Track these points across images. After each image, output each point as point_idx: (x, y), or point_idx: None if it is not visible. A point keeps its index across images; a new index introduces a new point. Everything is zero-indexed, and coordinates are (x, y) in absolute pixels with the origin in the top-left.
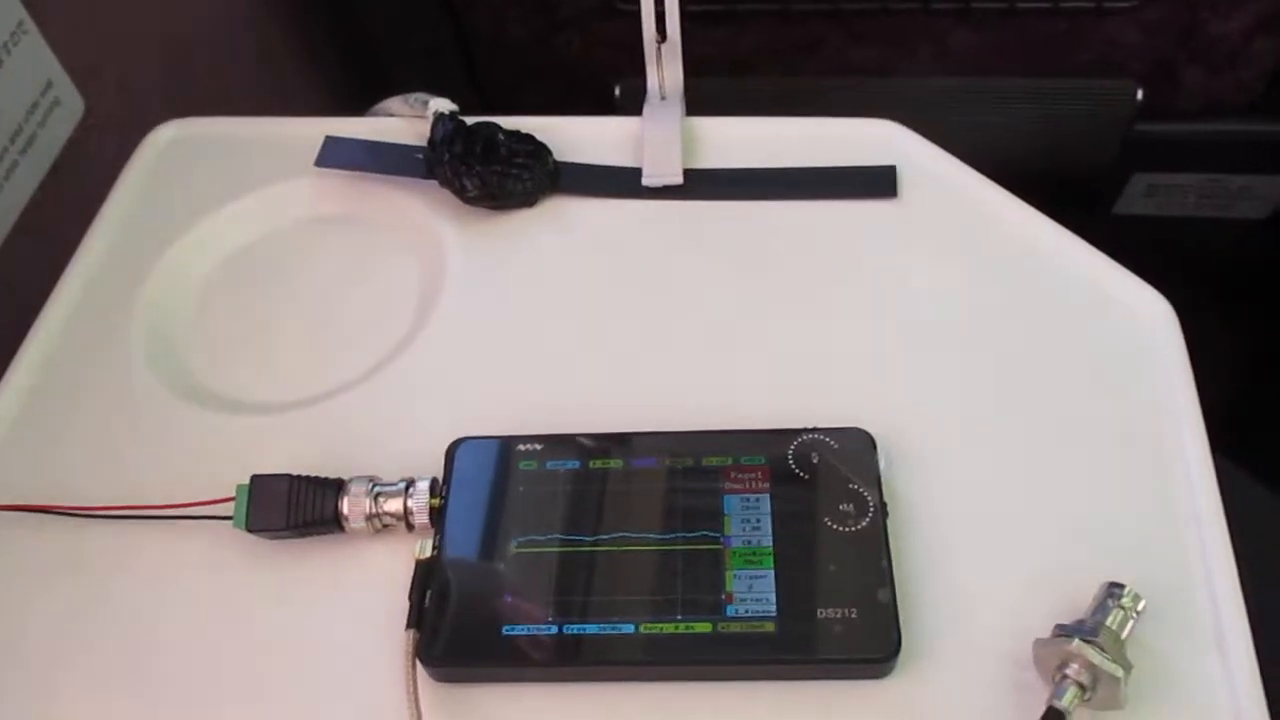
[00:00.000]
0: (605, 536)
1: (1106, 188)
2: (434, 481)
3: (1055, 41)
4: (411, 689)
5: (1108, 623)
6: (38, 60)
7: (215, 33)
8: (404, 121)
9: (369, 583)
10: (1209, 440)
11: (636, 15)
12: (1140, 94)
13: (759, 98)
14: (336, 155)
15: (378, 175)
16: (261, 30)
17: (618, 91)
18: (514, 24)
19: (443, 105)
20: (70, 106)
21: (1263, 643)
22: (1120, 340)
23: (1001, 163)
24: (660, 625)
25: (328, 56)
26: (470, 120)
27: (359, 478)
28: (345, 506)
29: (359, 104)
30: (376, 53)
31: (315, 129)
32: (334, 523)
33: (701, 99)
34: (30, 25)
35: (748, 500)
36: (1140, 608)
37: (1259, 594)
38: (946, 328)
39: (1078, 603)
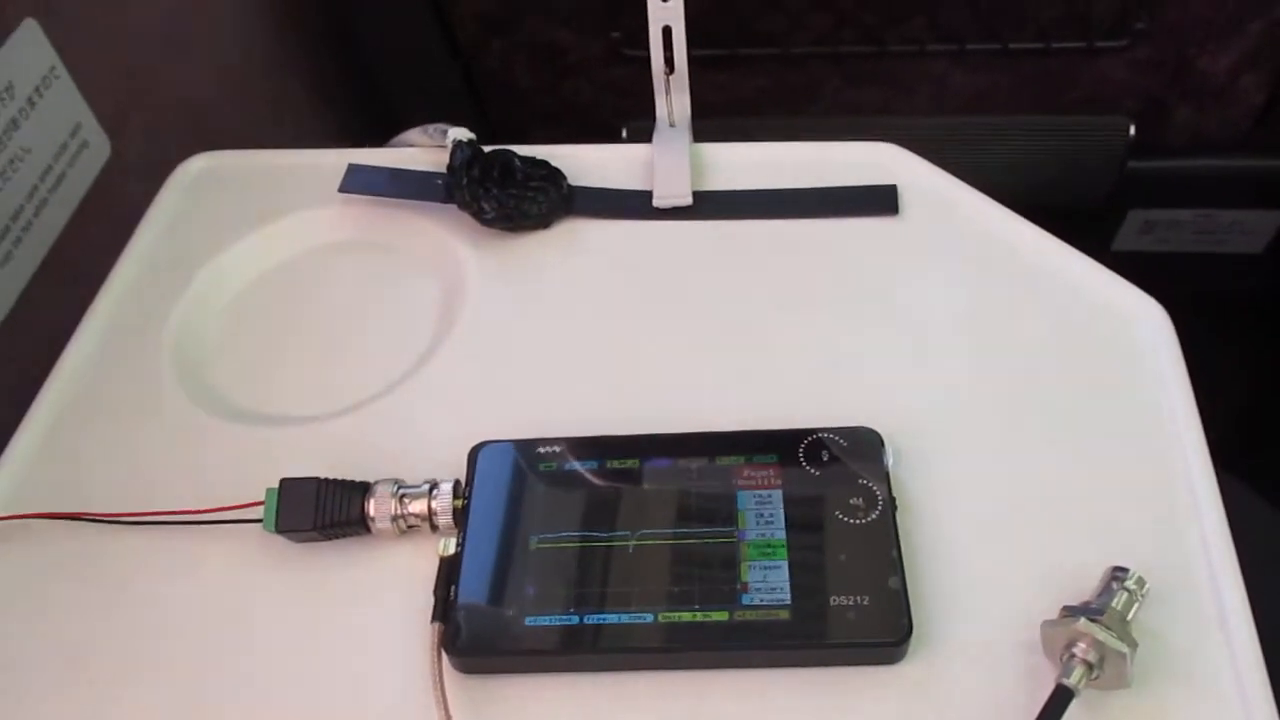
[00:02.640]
0: (623, 532)
1: (1104, 224)
2: (456, 483)
3: (1048, 81)
4: (437, 679)
5: (1113, 604)
6: (68, 104)
7: (235, 81)
8: (423, 151)
9: (395, 581)
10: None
11: (642, 61)
12: (1133, 130)
13: (761, 137)
14: (359, 181)
15: (399, 200)
16: (279, 78)
17: (625, 133)
18: (522, 71)
19: (461, 134)
20: (97, 148)
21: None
22: (1117, 342)
23: (998, 199)
24: (678, 614)
25: (342, 103)
26: (488, 148)
27: (384, 480)
28: (371, 508)
29: (372, 147)
30: (389, 99)
31: (338, 160)
32: (360, 524)
33: (706, 139)
34: (62, 70)
35: (761, 496)
36: (1145, 590)
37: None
38: (950, 335)
39: (1083, 591)
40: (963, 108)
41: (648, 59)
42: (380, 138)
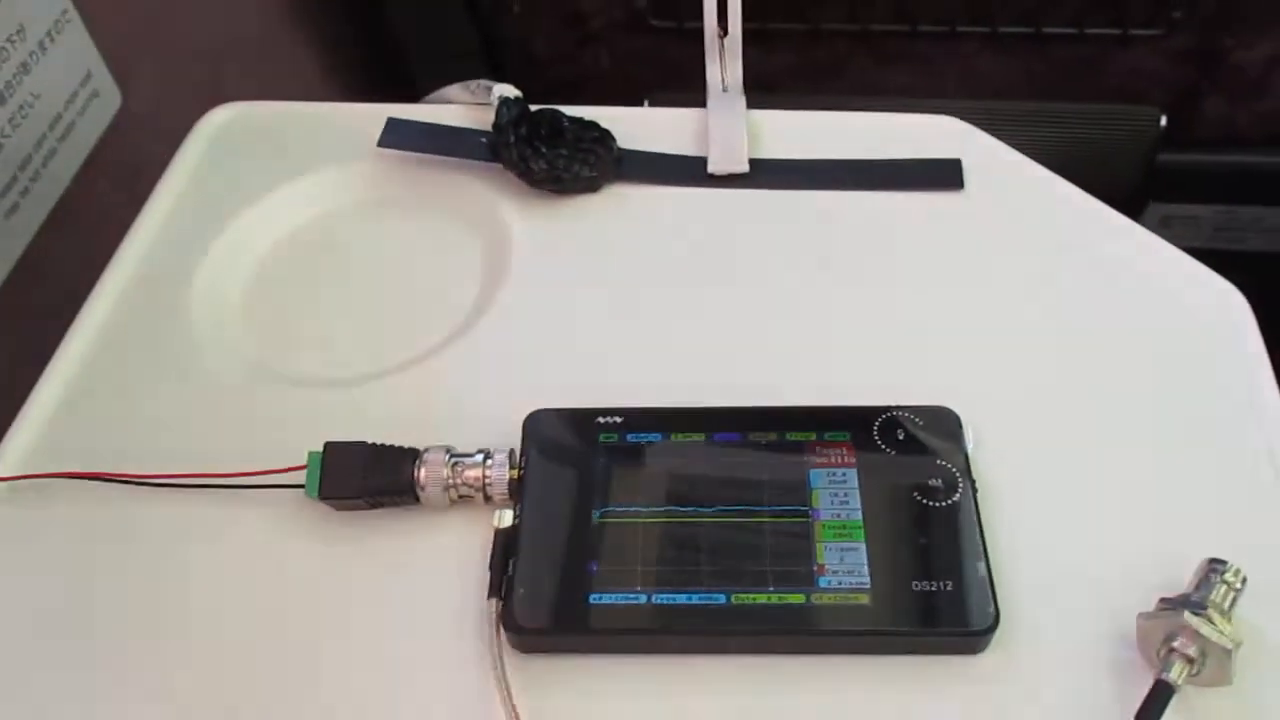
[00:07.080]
0: (689, 508)
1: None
2: (512, 452)
3: (1080, 67)
4: (498, 658)
5: (1213, 597)
6: (79, 51)
7: (249, 36)
8: (463, 108)
9: (445, 553)
10: None
11: (664, 31)
12: (1164, 121)
13: None
14: (399, 136)
15: (439, 157)
16: (294, 37)
17: (646, 104)
18: (542, 37)
19: (507, 90)
20: (108, 98)
21: None
22: (1199, 328)
23: None
24: (753, 596)
25: (357, 64)
26: (534, 107)
27: (436, 446)
28: (422, 474)
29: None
30: (405, 61)
31: (371, 113)
32: (408, 492)
33: None
34: (74, 15)
35: (834, 474)
36: (1242, 583)
37: None
38: (1021, 315)
39: (1171, 582)
40: (992, 91)
41: (673, 29)
42: (394, 100)
